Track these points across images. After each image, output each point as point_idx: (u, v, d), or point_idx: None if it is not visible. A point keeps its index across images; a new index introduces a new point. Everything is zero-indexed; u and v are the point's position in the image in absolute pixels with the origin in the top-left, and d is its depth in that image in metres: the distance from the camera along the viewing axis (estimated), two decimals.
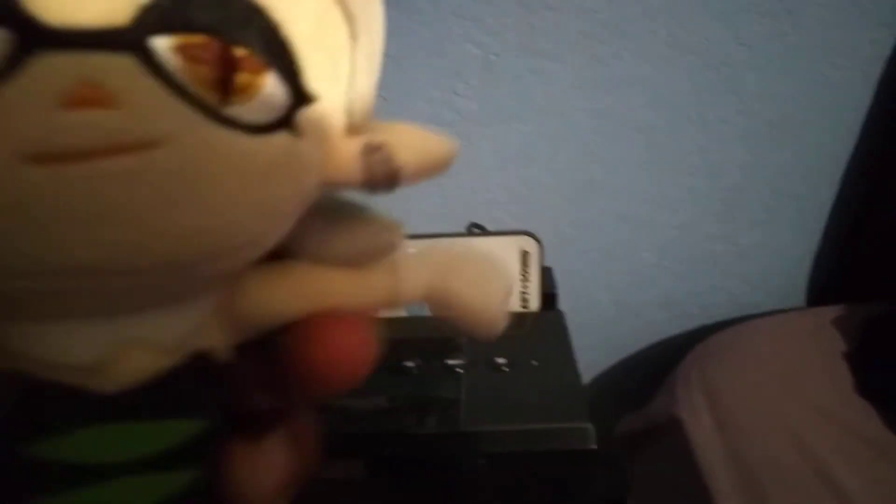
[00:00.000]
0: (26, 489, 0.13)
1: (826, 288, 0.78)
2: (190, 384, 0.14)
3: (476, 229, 0.42)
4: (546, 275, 0.40)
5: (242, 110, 0.12)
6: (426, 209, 0.66)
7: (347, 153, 0.15)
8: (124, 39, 0.10)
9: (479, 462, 0.30)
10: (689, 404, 0.65)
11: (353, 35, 0.14)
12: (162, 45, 0.11)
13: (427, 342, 0.33)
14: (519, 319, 0.39)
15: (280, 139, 0.13)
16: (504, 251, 0.38)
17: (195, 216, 0.12)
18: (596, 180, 0.67)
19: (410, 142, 0.17)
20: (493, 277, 0.19)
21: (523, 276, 0.39)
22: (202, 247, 0.13)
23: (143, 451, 0.14)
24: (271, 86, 0.12)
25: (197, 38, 0.11)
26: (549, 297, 0.40)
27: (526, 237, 0.38)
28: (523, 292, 0.39)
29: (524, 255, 0.38)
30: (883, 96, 0.65)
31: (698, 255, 0.74)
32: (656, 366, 0.75)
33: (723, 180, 0.68)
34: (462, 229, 0.57)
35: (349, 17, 0.14)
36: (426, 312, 0.39)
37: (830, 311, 0.72)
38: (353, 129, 0.15)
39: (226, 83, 0.12)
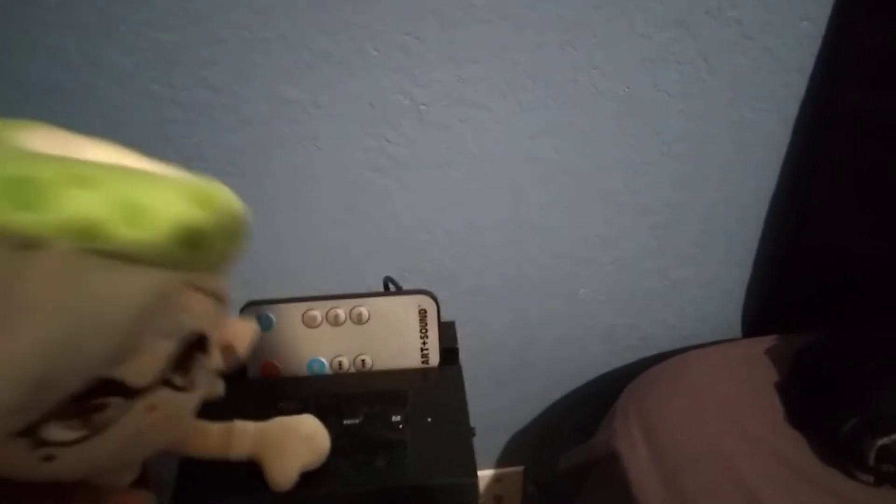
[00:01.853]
0: None
1: (760, 318, 0.80)
2: None
3: (390, 282, 0.44)
4: (446, 330, 0.41)
5: (193, 377, 0.25)
6: (367, 251, 0.68)
7: (216, 356, 0.28)
8: (161, 380, 0.25)
9: None
10: (626, 437, 0.67)
11: (223, 304, 0.27)
12: (174, 374, 0.25)
13: (327, 400, 0.35)
14: (419, 375, 0.41)
15: (204, 378, 0.27)
16: (403, 310, 0.40)
17: (179, 436, 0.29)
18: (530, 221, 0.69)
19: (240, 334, 0.31)
20: (296, 452, 0.32)
21: (423, 332, 0.40)
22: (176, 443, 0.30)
23: None
24: (200, 358, 0.26)
25: (183, 364, 0.25)
26: (449, 351, 0.41)
27: (423, 296, 0.40)
28: (423, 348, 0.40)
29: (422, 313, 0.40)
30: (800, 136, 0.69)
31: (635, 289, 0.76)
32: (601, 398, 0.76)
33: (653, 219, 0.71)
34: (396, 272, 0.59)
35: (223, 301, 0.27)
36: (326, 371, 0.40)
37: (763, 342, 0.74)
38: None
39: (188, 371, 0.25)
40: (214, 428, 0.32)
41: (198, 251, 0.23)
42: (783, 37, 0.63)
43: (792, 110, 0.68)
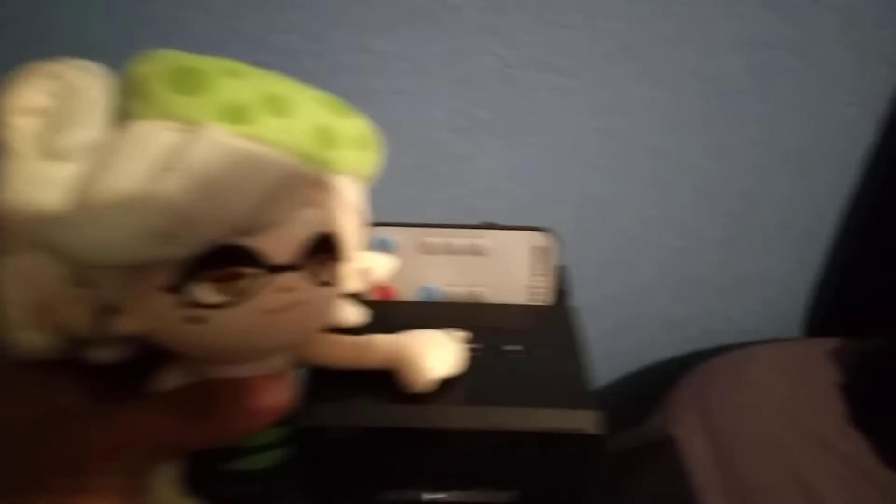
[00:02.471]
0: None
1: (823, 320, 0.79)
2: None
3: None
4: (559, 271, 0.41)
5: (329, 276, 0.27)
6: (433, 213, 0.67)
7: (351, 277, 0.31)
8: (296, 263, 0.25)
9: (488, 439, 0.31)
10: (683, 423, 0.66)
11: (354, 220, 0.30)
12: (308, 261, 0.26)
13: (442, 326, 0.34)
14: (533, 311, 0.40)
15: (338, 284, 0.28)
16: (521, 245, 0.39)
17: (312, 328, 0.29)
18: (602, 197, 0.68)
19: (379, 263, 0.34)
20: (431, 359, 0.32)
21: (538, 270, 0.39)
22: (308, 339, 0.31)
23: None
24: (335, 263, 0.28)
25: (318, 257, 0.26)
26: (561, 292, 0.41)
27: (544, 233, 0.39)
28: (537, 286, 0.40)
29: (540, 250, 0.39)
30: (887, 133, 0.67)
31: (699, 278, 0.75)
32: (652, 385, 0.75)
33: (727, 206, 0.70)
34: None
35: (358, 217, 0.30)
36: (439, 299, 0.40)
37: (827, 343, 0.72)
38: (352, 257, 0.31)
39: (323, 268, 0.27)
40: (349, 339, 0.32)
41: (329, 151, 0.27)
42: (883, 30, 0.61)
43: (881, 106, 0.66)
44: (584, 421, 0.31)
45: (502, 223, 0.68)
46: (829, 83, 0.64)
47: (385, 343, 0.32)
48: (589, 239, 0.71)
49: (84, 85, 0.25)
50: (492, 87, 0.61)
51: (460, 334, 0.33)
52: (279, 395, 0.28)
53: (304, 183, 0.26)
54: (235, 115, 0.24)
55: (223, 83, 0.24)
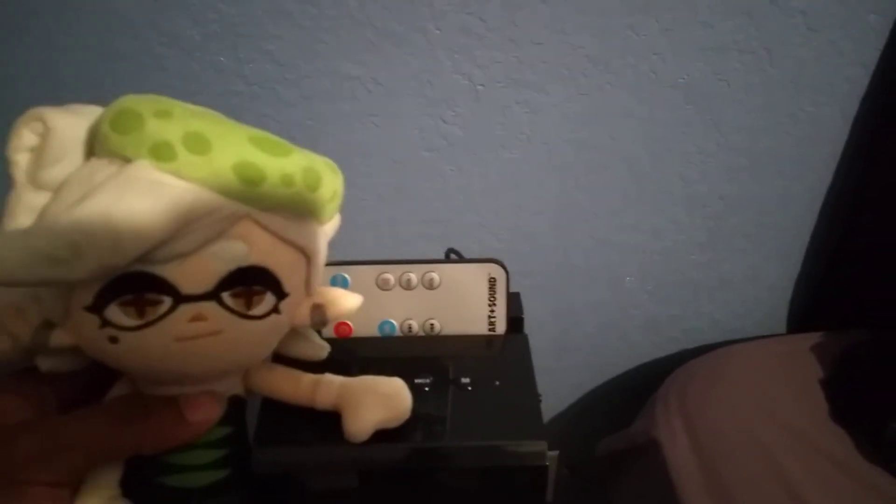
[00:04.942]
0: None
1: (807, 315, 0.80)
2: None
3: (453, 254, 0.44)
4: (513, 300, 0.42)
5: (256, 310, 0.29)
6: (415, 231, 0.68)
7: (304, 312, 0.32)
8: (211, 295, 0.27)
9: (439, 475, 0.32)
10: (667, 426, 0.67)
11: (310, 259, 0.31)
12: (226, 293, 0.27)
13: (397, 361, 0.36)
14: (486, 342, 0.42)
15: (272, 318, 0.30)
16: (473, 277, 0.41)
17: (234, 359, 0.31)
18: (580, 207, 0.69)
19: (334, 299, 0.33)
20: (373, 408, 0.33)
21: (491, 300, 0.41)
22: (234, 368, 0.32)
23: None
24: (269, 298, 0.29)
25: (240, 290, 0.28)
26: (515, 320, 0.42)
27: (494, 265, 0.40)
28: (490, 316, 0.41)
29: (492, 281, 0.41)
30: (859, 132, 0.68)
31: (681, 281, 0.76)
32: (639, 387, 0.76)
33: (705, 210, 0.71)
34: (441, 253, 0.60)
35: (308, 255, 0.31)
36: (396, 333, 0.41)
37: (809, 339, 0.73)
38: (309, 294, 0.32)
39: (249, 301, 0.28)
40: (305, 378, 0.33)
41: (255, 188, 0.27)
42: (849, 30, 0.62)
43: (853, 106, 0.67)
44: (532, 453, 0.32)
45: (483, 237, 0.69)
46: (798, 84, 0.65)
47: (335, 386, 0.33)
48: (570, 248, 0.72)
49: (61, 125, 0.27)
50: (464, 105, 0.62)
51: (411, 377, 0.34)
52: (208, 410, 0.30)
53: (216, 217, 0.26)
54: (159, 152, 0.26)
55: (151, 123, 0.26)
